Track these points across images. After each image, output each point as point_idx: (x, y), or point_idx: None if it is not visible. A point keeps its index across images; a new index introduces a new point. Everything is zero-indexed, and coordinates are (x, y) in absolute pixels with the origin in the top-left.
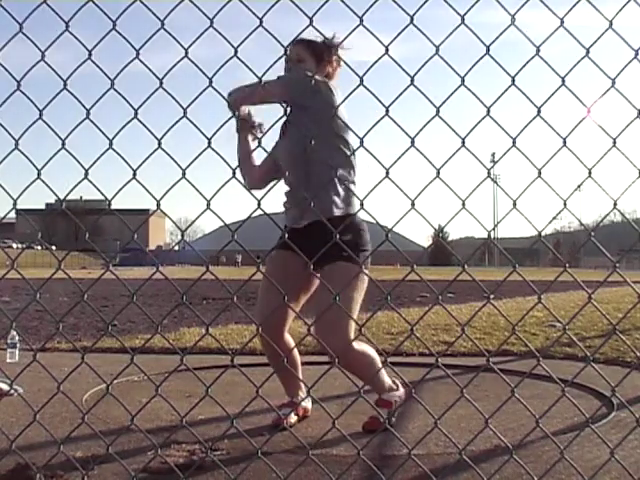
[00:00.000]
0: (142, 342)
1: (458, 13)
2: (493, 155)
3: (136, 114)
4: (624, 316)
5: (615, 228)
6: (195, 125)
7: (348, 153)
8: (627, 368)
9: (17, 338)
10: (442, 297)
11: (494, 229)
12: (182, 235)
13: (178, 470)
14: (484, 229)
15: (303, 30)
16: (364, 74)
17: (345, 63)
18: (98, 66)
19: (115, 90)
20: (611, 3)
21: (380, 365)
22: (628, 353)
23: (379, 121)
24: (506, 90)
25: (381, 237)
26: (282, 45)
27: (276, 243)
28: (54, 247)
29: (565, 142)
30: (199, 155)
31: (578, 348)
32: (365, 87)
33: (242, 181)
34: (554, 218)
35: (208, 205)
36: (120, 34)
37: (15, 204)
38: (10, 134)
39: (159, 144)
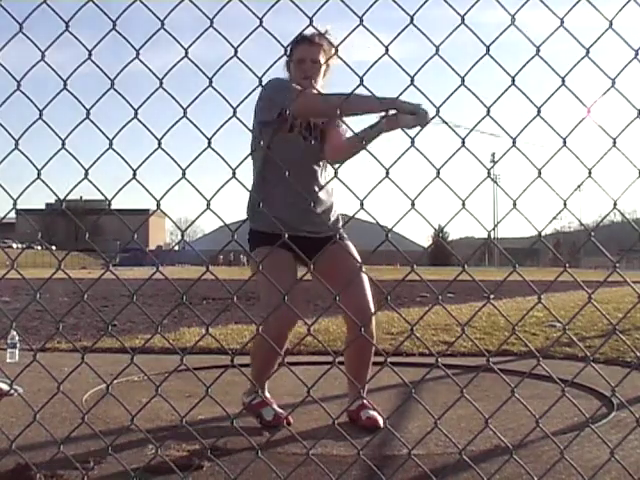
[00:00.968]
0: (142, 342)
1: (458, 13)
2: (493, 155)
3: (136, 114)
4: (624, 316)
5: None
6: (195, 125)
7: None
8: (627, 368)
9: (17, 338)
10: (442, 297)
11: (494, 229)
12: (182, 235)
13: (178, 470)
14: (484, 229)
15: (303, 30)
16: (364, 74)
17: (345, 63)
18: (98, 66)
19: (115, 90)
20: (611, 3)
21: None
22: (628, 353)
23: (379, 121)
24: (506, 90)
25: (381, 237)
26: (282, 45)
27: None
28: (54, 247)
29: (565, 142)
30: (199, 155)
31: (578, 348)
32: (365, 87)
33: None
34: (554, 218)
35: (208, 205)
36: (120, 34)
37: (15, 204)
38: (10, 134)
39: (159, 144)
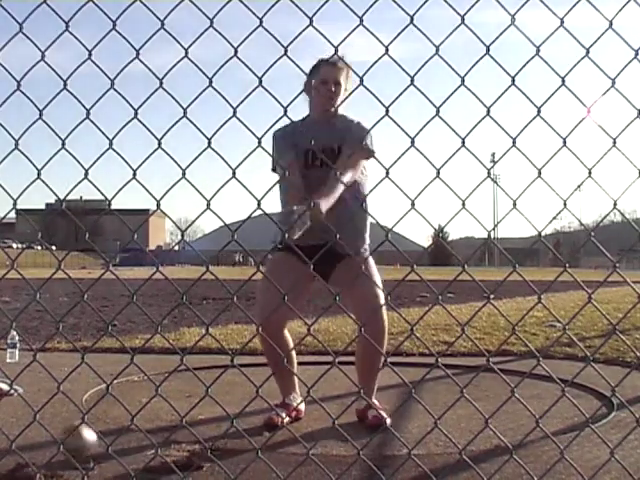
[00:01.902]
0: (142, 342)
1: (458, 13)
2: (493, 155)
3: (136, 114)
4: (624, 316)
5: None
6: (195, 125)
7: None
8: (627, 368)
9: (17, 338)
10: (442, 297)
11: (494, 229)
12: (182, 235)
13: (178, 470)
14: (484, 229)
15: (303, 30)
16: (364, 74)
17: (345, 63)
18: (98, 66)
19: (115, 90)
20: (611, 3)
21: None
22: (628, 353)
23: (379, 121)
24: (506, 90)
25: (381, 237)
26: (282, 45)
27: (274, 245)
28: (54, 247)
29: (565, 142)
30: (199, 155)
31: (578, 348)
32: (365, 87)
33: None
34: (554, 218)
35: (208, 205)
36: (120, 34)
37: (15, 204)
38: (10, 134)
39: (159, 144)
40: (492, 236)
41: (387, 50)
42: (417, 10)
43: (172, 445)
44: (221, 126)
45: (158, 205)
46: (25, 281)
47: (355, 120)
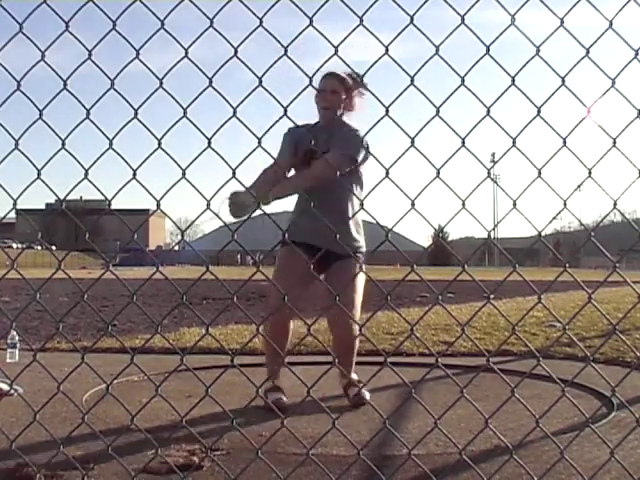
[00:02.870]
0: (142, 342)
1: (458, 13)
2: (493, 155)
3: (136, 114)
4: (624, 316)
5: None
6: (195, 125)
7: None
8: (627, 368)
9: (17, 338)
10: (442, 297)
11: (494, 229)
12: (182, 235)
13: (178, 470)
14: (484, 229)
15: (303, 30)
16: (364, 74)
17: (345, 63)
18: (98, 66)
19: (115, 90)
20: (611, 3)
21: None
22: (628, 353)
23: (379, 121)
24: (506, 90)
25: (381, 237)
26: (282, 45)
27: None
28: (54, 247)
29: (565, 142)
30: (199, 155)
31: (578, 348)
32: (365, 87)
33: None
34: (554, 218)
35: (208, 205)
36: (120, 34)
37: (15, 204)
38: (10, 134)
39: (159, 144)
40: (492, 236)
41: (387, 50)
42: (417, 10)
43: (172, 445)
44: (221, 126)
45: (158, 205)
46: (25, 281)
47: (353, 129)
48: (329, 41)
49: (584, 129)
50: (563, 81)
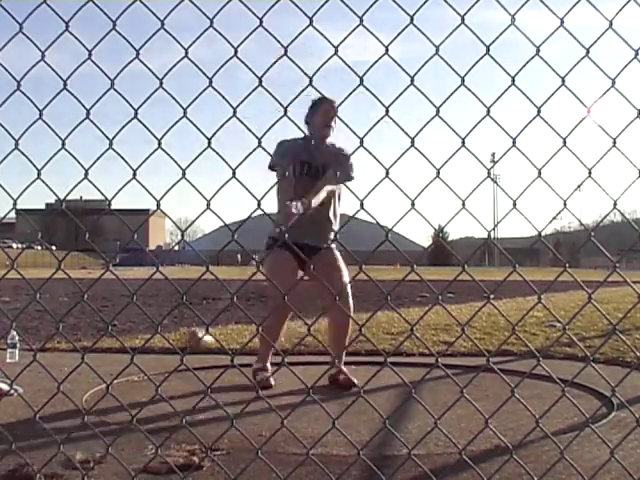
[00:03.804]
0: (142, 342)
1: (458, 13)
2: (493, 155)
3: (136, 114)
4: (624, 316)
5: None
6: (195, 125)
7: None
8: (627, 368)
9: (17, 338)
10: (442, 297)
11: (494, 229)
12: (182, 235)
13: (178, 470)
14: (484, 229)
15: (303, 30)
16: (364, 74)
17: (345, 63)
18: (98, 66)
19: (115, 90)
20: (611, 3)
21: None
22: (628, 353)
23: (379, 121)
24: (506, 90)
25: (381, 237)
26: (282, 45)
27: (272, 241)
28: (54, 247)
29: (565, 142)
30: (199, 155)
31: (578, 348)
32: (365, 87)
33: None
34: (554, 218)
35: (208, 205)
36: (120, 34)
37: (15, 204)
38: (10, 134)
39: (159, 144)
40: (492, 236)
41: (387, 50)
42: (417, 10)
43: (172, 445)
44: (221, 126)
45: (158, 205)
46: (25, 281)
47: (342, 148)
48: (329, 41)
49: (584, 129)
50: (563, 81)
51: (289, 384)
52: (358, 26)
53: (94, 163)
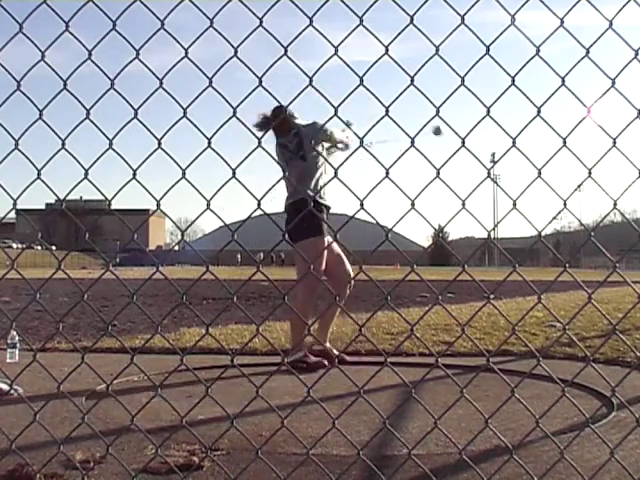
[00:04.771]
0: (142, 342)
1: (458, 13)
2: (493, 155)
3: (136, 114)
4: (624, 316)
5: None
6: (195, 125)
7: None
8: (627, 368)
9: (17, 338)
10: (442, 297)
11: (494, 229)
12: (182, 235)
13: (178, 470)
14: (484, 229)
15: (303, 30)
16: (364, 74)
17: (345, 63)
18: (98, 66)
19: (115, 90)
20: (611, 3)
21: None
22: (628, 353)
23: (379, 121)
24: (506, 90)
25: (381, 237)
26: (282, 45)
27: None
28: (54, 247)
29: (565, 142)
30: (199, 155)
31: (578, 348)
32: (365, 87)
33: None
34: (554, 218)
35: (208, 205)
36: (120, 34)
37: (15, 204)
38: (10, 134)
39: (159, 144)
40: (492, 236)
41: (387, 50)
42: (417, 10)
43: (172, 445)
44: (221, 126)
45: (158, 205)
46: (25, 281)
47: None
48: (329, 41)
49: (584, 129)
50: (563, 81)
51: (289, 384)
52: (358, 26)
53: (94, 163)
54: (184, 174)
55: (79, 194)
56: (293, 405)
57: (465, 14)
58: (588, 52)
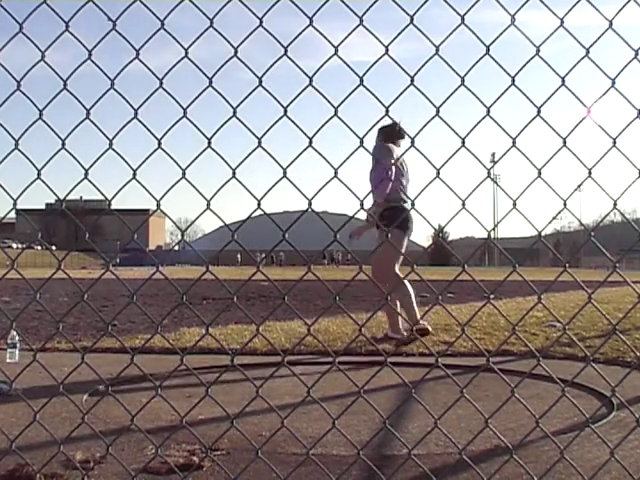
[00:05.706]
0: (142, 342)
1: (458, 13)
2: (493, 155)
3: (136, 114)
4: (624, 316)
5: (615, 228)
6: (195, 125)
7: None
8: (627, 368)
9: (17, 338)
10: (442, 297)
11: (494, 229)
12: (182, 235)
13: (178, 470)
14: (484, 229)
15: (303, 30)
16: (364, 74)
17: (345, 63)
18: (98, 66)
19: (115, 90)
20: (611, 3)
21: None
22: (628, 353)
23: (379, 121)
24: (506, 90)
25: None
26: (282, 45)
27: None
28: (54, 247)
29: (565, 142)
30: (199, 155)
31: (578, 348)
32: (365, 87)
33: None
34: (554, 218)
35: (208, 205)
36: (120, 34)
37: (15, 204)
38: (10, 134)
39: (159, 144)
40: (492, 236)
41: (387, 50)
42: (417, 10)
43: (172, 445)
44: (221, 126)
45: (158, 205)
46: (25, 281)
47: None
48: (329, 41)
49: (584, 129)
50: (563, 81)
51: (289, 384)
52: (358, 26)
53: (94, 163)
54: (184, 174)
55: (79, 194)
56: (293, 405)
57: (465, 14)
58: (588, 52)
